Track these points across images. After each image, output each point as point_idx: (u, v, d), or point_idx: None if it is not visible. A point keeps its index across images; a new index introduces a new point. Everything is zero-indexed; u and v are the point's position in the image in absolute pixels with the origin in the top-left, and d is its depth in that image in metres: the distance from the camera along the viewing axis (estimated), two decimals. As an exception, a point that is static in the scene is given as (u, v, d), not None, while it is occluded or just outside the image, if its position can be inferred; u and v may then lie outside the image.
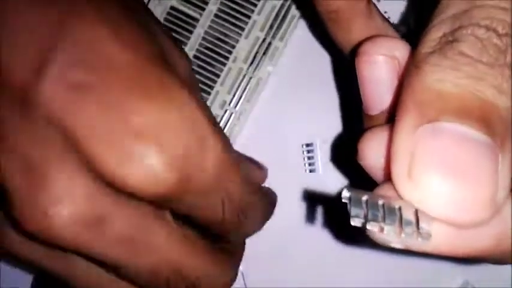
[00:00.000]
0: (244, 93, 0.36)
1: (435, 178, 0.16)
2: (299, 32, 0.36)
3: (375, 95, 0.22)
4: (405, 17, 0.34)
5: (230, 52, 0.36)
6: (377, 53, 0.21)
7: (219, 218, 0.27)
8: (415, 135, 0.17)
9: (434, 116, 0.17)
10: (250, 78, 0.36)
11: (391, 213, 0.17)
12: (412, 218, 0.17)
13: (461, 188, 0.16)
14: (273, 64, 0.36)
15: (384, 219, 0.17)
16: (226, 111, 0.36)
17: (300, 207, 0.35)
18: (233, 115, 0.36)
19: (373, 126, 0.22)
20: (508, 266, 0.33)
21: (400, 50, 0.21)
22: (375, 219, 0.17)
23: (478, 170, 0.16)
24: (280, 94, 0.36)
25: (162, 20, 0.36)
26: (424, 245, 0.17)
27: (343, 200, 0.17)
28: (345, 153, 0.34)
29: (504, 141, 0.17)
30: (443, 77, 0.17)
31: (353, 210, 0.17)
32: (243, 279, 0.36)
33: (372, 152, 0.20)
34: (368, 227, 0.17)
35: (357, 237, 0.18)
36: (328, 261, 0.35)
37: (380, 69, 0.21)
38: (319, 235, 0.35)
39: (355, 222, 0.17)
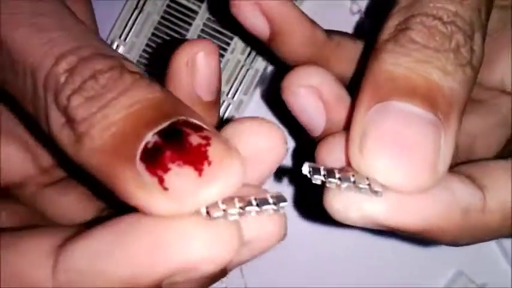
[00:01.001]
0: (242, 84, 0.36)
1: (383, 153, 0.18)
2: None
3: (310, 120, 0.24)
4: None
5: (228, 44, 0.36)
6: (297, 85, 0.23)
7: None
8: (367, 114, 0.19)
9: (385, 96, 0.19)
10: (248, 69, 0.36)
11: (346, 177, 0.19)
12: (365, 179, 0.19)
13: (405, 159, 0.18)
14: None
15: (340, 180, 0.19)
16: (224, 101, 0.36)
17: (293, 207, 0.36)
18: (231, 105, 0.37)
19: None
20: (505, 262, 0.34)
21: (318, 77, 0.23)
22: (331, 178, 0.19)
23: (421, 144, 0.18)
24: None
25: (161, 13, 0.37)
26: (378, 203, 0.19)
27: (303, 173, 0.19)
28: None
29: (447, 118, 0.19)
30: (395, 61, 0.19)
31: (314, 175, 0.19)
32: (243, 277, 0.36)
33: (327, 157, 0.22)
34: (327, 184, 0.19)
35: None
36: (325, 256, 0.36)
37: (303, 98, 0.23)
38: (315, 232, 0.36)
39: (316, 180, 0.19)
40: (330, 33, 0.27)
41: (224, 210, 0.17)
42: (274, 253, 0.35)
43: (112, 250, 0.17)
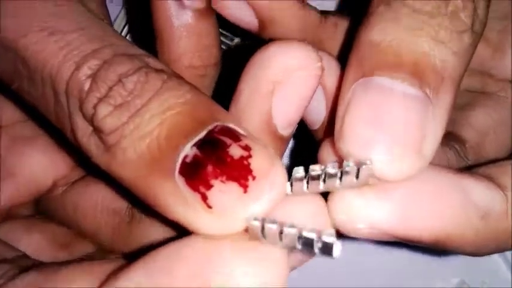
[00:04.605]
0: None
1: (360, 131, 0.17)
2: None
3: (310, 113, 0.23)
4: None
5: (229, 46, 0.35)
6: None
7: None
8: (350, 90, 0.17)
9: (369, 71, 0.17)
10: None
11: (332, 176, 0.17)
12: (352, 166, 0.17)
13: (384, 139, 0.17)
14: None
15: (324, 180, 0.17)
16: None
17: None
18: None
19: (320, 138, 0.23)
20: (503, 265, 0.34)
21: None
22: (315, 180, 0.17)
23: (404, 123, 0.17)
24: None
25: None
26: (385, 210, 0.17)
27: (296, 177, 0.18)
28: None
29: (437, 93, 0.17)
30: (383, 30, 0.18)
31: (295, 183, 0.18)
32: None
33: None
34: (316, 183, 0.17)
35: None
36: (325, 264, 0.35)
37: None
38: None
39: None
40: (325, 14, 0.25)
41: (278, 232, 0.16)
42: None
43: (155, 281, 0.16)
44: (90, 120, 0.17)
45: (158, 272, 0.16)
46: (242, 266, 0.15)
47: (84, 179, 0.25)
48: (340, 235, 0.18)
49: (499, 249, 0.19)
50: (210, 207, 0.16)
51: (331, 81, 0.21)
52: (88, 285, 0.17)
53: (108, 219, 0.23)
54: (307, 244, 0.16)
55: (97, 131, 0.17)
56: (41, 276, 0.18)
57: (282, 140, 0.20)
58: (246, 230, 0.16)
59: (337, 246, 0.16)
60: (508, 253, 0.34)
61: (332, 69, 0.21)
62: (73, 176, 0.25)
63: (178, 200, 0.16)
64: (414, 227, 0.18)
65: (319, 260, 0.33)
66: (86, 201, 0.24)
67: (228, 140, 0.16)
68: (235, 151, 0.16)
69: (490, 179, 0.19)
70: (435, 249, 0.20)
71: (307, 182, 0.18)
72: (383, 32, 0.18)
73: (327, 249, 0.16)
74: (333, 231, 0.16)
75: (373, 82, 0.17)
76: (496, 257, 0.34)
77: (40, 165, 0.25)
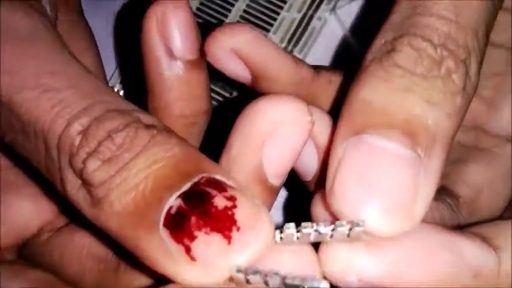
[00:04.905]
0: (299, 43, 0.34)
1: (350, 191, 0.17)
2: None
3: (302, 166, 0.22)
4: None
5: (285, 1, 0.34)
6: None
7: None
8: (341, 147, 0.17)
9: (361, 129, 0.17)
10: (306, 26, 0.34)
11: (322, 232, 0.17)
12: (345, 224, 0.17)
13: (374, 200, 0.16)
14: (330, 10, 0.33)
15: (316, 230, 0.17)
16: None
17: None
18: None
19: (313, 190, 0.22)
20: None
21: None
22: (306, 229, 0.17)
23: (395, 183, 0.16)
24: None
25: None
26: (375, 263, 0.17)
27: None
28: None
29: (429, 154, 0.17)
30: (375, 89, 0.17)
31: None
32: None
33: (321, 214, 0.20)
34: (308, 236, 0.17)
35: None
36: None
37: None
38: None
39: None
40: (318, 69, 0.24)
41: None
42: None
43: None
44: (80, 174, 0.18)
45: None
46: None
47: (70, 225, 0.25)
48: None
49: None
50: (194, 259, 0.16)
51: (323, 135, 0.21)
52: None
53: (94, 265, 0.23)
54: None
55: (86, 184, 0.18)
56: None
57: (272, 190, 0.20)
58: (231, 279, 0.17)
59: None
60: None
61: (324, 123, 0.21)
62: (59, 222, 0.26)
63: (163, 253, 0.16)
64: (405, 282, 0.17)
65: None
66: (72, 247, 0.24)
67: (213, 191, 0.16)
68: (220, 202, 0.16)
69: (483, 238, 0.18)
70: None
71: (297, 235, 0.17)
72: (375, 92, 0.17)
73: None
74: (320, 279, 0.16)
75: (364, 140, 0.17)
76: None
77: (25, 211, 0.25)
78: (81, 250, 0.24)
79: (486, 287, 0.18)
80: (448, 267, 0.17)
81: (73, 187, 0.18)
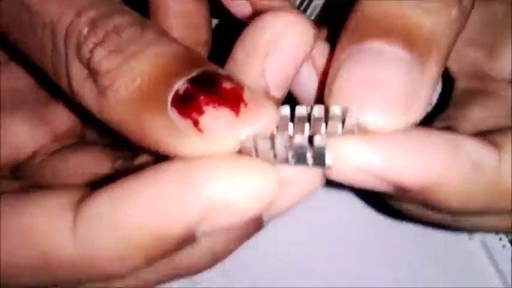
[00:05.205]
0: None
1: (353, 88, 0.18)
2: None
3: (302, 89, 0.23)
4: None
5: None
6: None
7: None
8: (342, 55, 0.19)
9: (361, 37, 0.19)
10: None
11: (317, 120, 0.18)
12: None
13: (376, 96, 0.18)
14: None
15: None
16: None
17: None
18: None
19: None
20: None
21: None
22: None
23: (392, 82, 0.18)
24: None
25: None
26: (374, 152, 0.18)
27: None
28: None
29: (426, 58, 0.18)
30: (375, 1, 0.19)
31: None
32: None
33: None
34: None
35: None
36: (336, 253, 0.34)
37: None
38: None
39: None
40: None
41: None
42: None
43: (137, 194, 0.15)
44: (87, 63, 0.18)
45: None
46: (230, 175, 0.16)
47: (64, 150, 0.26)
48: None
49: (489, 209, 0.19)
50: (201, 131, 0.16)
51: (322, 58, 0.22)
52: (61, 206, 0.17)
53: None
54: (300, 152, 0.17)
55: (92, 73, 0.18)
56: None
57: (274, 101, 0.20)
58: (239, 153, 0.17)
59: (330, 153, 0.17)
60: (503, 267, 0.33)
61: (323, 46, 0.22)
62: (53, 147, 0.26)
63: (170, 131, 0.16)
64: (402, 170, 0.18)
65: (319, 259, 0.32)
66: (66, 170, 0.24)
67: (221, 77, 0.17)
68: (228, 84, 0.17)
69: (485, 138, 0.19)
70: (422, 204, 0.20)
71: (293, 123, 0.18)
72: (374, 4, 0.19)
73: (319, 156, 0.17)
74: (324, 137, 0.17)
75: (365, 47, 0.18)
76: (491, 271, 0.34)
77: (21, 133, 0.25)
78: (75, 170, 0.24)
79: (486, 185, 0.19)
80: (446, 155, 0.18)
81: (79, 79, 0.18)
